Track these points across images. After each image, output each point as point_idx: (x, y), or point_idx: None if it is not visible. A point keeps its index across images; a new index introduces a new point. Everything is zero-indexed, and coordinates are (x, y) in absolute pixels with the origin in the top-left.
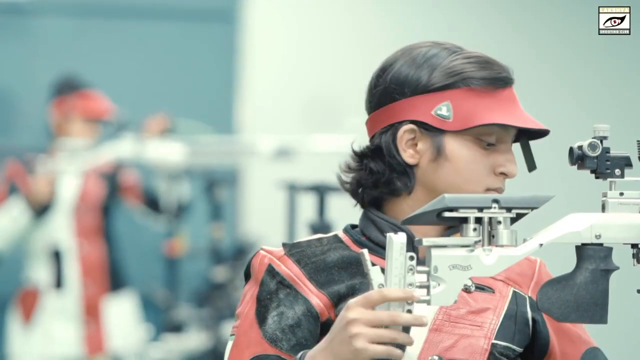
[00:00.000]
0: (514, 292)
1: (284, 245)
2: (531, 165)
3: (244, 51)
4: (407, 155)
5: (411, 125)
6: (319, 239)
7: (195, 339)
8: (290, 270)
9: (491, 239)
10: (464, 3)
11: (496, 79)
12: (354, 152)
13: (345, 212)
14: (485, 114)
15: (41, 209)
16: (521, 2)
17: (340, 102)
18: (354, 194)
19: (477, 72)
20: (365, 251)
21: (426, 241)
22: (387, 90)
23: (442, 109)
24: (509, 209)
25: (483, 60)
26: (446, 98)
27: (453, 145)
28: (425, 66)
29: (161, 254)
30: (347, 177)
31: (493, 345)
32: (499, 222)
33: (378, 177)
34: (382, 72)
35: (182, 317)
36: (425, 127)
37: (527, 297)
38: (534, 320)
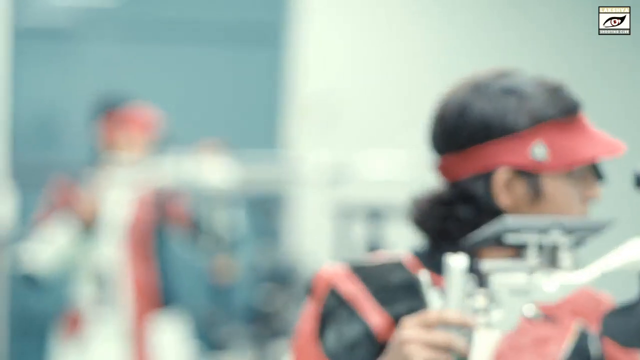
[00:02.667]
0: (579, 326)
1: (347, 263)
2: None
3: (290, 73)
4: (502, 199)
5: (507, 170)
6: (383, 259)
7: (241, 359)
8: (352, 288)
9: (553, 263)
10: (466, 5)
11: (575, 106)
12: (439, 199)
13: (397, 234)
14: (582, 148)
15: (89, 228)
16: (521, 3)
17: (392, 119)
18: (429, 231)
19: (559, 102)
20: (424, 273)
21: (486, 265)
22: (473, 132)
23: (538, 149)
24: (571, 233)
25: (557, 87)
26: (538, 136)
27: (552, 185)
28: (508, 104)
29: (209, 274)
30: (422, 217)
31: None
32: (561, 246)
33: (467, 224)
34: (460, 111)
35: (229, 337)
36: (521, 169)
37: (591, 333)
38: (595, 357)
